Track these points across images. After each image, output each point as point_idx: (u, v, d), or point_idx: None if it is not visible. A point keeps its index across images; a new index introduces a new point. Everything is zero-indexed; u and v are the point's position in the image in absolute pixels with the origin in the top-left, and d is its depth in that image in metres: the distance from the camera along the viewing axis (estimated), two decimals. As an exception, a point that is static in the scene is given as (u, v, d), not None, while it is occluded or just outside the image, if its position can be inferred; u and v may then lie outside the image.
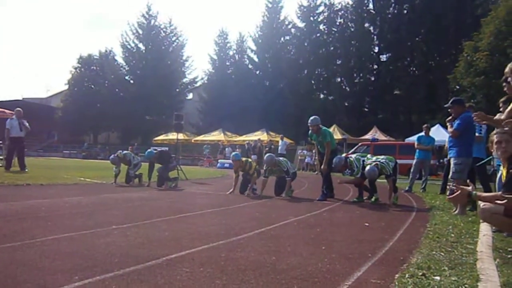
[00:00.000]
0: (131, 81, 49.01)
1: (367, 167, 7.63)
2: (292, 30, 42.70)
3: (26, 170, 12.22)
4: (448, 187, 6.16)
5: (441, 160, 11.46)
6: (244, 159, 9.16)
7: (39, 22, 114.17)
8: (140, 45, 48.69)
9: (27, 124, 12.98)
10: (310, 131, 8.83)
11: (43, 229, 4.17)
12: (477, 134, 7.30)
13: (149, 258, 3.16)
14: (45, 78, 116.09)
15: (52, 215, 5.08)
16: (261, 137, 28.11)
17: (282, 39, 42.93)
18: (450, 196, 3.83)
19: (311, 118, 8.68)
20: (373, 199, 8.01)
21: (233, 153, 9.51)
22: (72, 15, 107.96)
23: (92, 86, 49.03)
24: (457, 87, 25.63)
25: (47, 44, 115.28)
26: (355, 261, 3.34)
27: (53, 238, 3.77)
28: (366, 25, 39.73)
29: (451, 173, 6.73)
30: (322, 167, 8.69)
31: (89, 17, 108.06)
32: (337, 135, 29.45)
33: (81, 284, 2.52)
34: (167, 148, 11.29)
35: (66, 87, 50.60)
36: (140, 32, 48.35)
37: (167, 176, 10.01)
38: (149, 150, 10.61)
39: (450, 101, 6.85)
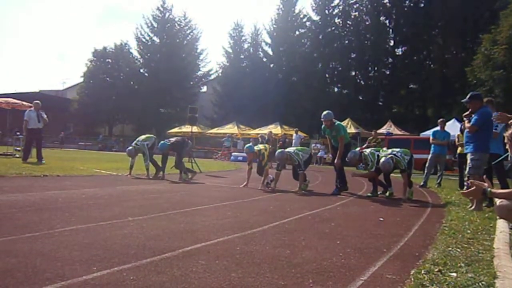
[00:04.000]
0: (146, 74, 49.21)
1: (382, 159, 7.59)
2: (307, 23, 42.42)
3: (43, 161, 12.41)
4: (465, 183, 6.11)
5: (456, 156, 11.35)
6: (257, 148, 9.09)
7: (57, 14, 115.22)
8: (155, 38, 48.83)
9: (45, 116, 13.16)
10: (323, 126, 8.80)
11: (61, 220, 4.22)
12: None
13: (165, 250, 3.18)
14: (62, 70, 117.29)
15: (69, 206, 5.15)
16: (274, 131, 28.03)
17: (296, 32, 42.68)
18: (464, 192, 3.79)
19: (324, 113, 8.62)
20: (387, 194, 7.97)
21: (247, 145, 9.43)
22: (88, 8, 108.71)
23: (107, 79, 49.31)
24: (474, 81, 25.19)
25: (64, 37, 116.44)
26: (370, 256, 3.33)
27: (70, 229, 3.83)
28: (382, 18, 39.32)
29: (467, 168, 6.65)
30: (335, 161, 8.62)
31: (104, 10, 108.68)
32: (351, 129, 29.28)
33: (99, 274, 2.56)
34: (182, 138, 11.15)
35: (82, 79, 51.04)
36: (155, 25, 48.46)
37: (182, 166, 10.01)
38: (162, 141, 10.62)
39: (468, 96, 6.75)
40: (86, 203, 5.57)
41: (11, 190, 6.35)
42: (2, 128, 32.46)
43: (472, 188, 3.61)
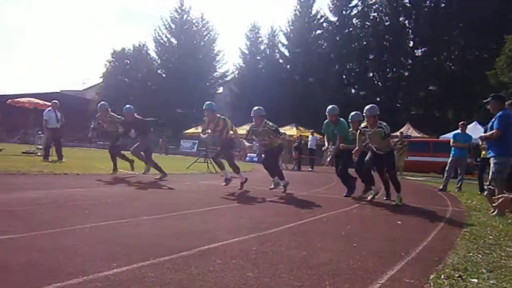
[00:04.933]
0: (163, 75, 49.58)
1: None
2: (324, 24, 42.11)
3: (63, 160, 12.60)
4: (485, 187, 5.98)
5: (478, 159, 11.11)
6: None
7: (78, 16, 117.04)
8: (173, 40, 49.17)
9: (60, 116, 13.41)
10: (326, 121, 8.44)
11: (81, 217, 4.31)
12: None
13: (181, 249, 3.22)
14: (82, 71, 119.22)
15: (88, 204, 5.23)
16: (290, 132, 27.96)
17: (313, 33, 42.41)
18: (496, 204, 3.73)
19: (330, 107, 8.33)
20: (372, 195, 7.66)
21: (207, 102, 9.02)
22: (107, 9, 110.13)
23: (126, 80, 49.86)
24: (497, 83, 24.71)
25: (84, 38, 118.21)
26: (387, 259, 3.28)
27: (90, 226, 3.91)
28: (401, 18, 38.83)
29: (490, 173, 6.52)
30: (327, 160, 8.55)
31: (123, 12, 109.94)
32: (369, 131, 29.04)
33: (119, 271, 2.61)
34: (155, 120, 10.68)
35: (101, 80, 51.68)
36: (173, 26, 48.83)
37: (141, 155, 9.83)
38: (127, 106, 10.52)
39: (490, 95, 6.64)
40: (104, 201, 5.68)
41: (34, 187, 6.50)
42: (25, 127, 33.16)
43: (501, 200, 3.56)
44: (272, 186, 8.61)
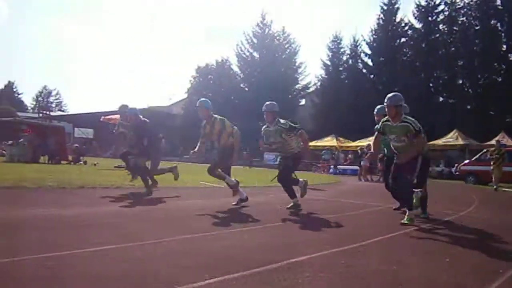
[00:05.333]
0: (246, 89, 50.91)
1: None
2: (409, 31, 40.90)
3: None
4: None
5: None
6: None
7: (165, 34, 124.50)
8: (255, 54, 50.48)
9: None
10: (385, 117, 6.18)
11: (167, 230, 4.60)
12: None
13: (269, 262, 3.25)
14: (168, 87, 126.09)
15: (174, 217, 5.61)
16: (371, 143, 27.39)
17: (398, 41, 41.39)
18: None
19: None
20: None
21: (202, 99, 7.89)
22: (192, 27, 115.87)
23: (209, 94, 51.85)
24: None
25: (171, 56, 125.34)
26: (484, 276, 3.18)
27: (178, 238, 4.10)
28: (493, 22, 36.55)
29: None
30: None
31: (206, 29, 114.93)
32: (459, 141, 27.65)
33: (212, 282, 2.71)
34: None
35: (186, 95, 54.20)
36: (255, 41, 50.17)
37: (142, 171, 8.27)
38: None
39: None
40: (191, 214, 5.88)
41: (126, 200, 7.01)
42: (116, 142, 35.57)
43: None
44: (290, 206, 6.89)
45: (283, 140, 6.85)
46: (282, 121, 6.92)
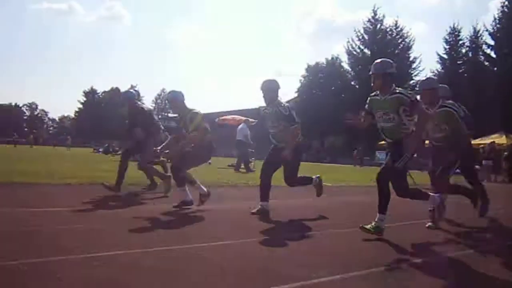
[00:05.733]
0: (357, 86, 50.01)
1: None
2: (540, 18, 36.81)
3: (253, 170, 14.01)
4: None
5: None
6: None
7: (274, 34, 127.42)
8: (366, 50, 49.49)
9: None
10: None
11: (282, 227, 4.84)
12: None
13: (375, 263, 3.28)
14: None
15: (287, 215, 5.63)
16: (498, 141, 25.17)
17: (526, 29, 37.42)
18: None
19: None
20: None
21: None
22: (302, 27, 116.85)
23: (320, 93, 51.87)
24: None
25: (282, 55, 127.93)
26: None
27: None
28: None
29: None
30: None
31: (315, 28, 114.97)
32: None
33: (328, 279, 2.81)
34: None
35: (296, 94, 54.88)
36: (366, 37, 49.20)
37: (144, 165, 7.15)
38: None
39: None
40: (304, 212, 5.88)
41: (244, 198, 7.31)
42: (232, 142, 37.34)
43: None
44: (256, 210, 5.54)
45: (281, 127, 5.62)
46: (283, 103, 5.73)
